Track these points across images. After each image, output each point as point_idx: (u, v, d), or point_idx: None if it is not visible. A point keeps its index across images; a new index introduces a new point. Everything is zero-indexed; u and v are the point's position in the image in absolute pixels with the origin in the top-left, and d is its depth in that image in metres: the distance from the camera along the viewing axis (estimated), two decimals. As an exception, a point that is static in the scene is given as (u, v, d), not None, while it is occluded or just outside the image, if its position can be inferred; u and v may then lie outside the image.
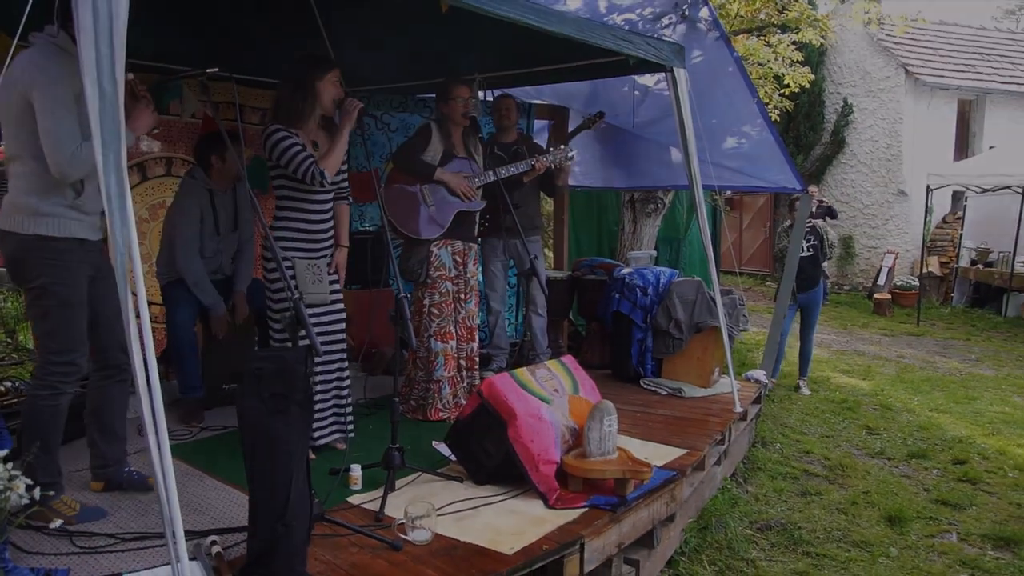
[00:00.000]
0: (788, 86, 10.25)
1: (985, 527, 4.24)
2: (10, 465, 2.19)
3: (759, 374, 5.54)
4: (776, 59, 9.35)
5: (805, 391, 6.95)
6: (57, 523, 2.44)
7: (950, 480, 4.98)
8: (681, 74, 4.11)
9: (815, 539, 4.07)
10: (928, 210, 11.50)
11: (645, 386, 5.30)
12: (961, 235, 12.79)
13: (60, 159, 2.57)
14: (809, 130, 14.65)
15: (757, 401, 5.37)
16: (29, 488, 2.18)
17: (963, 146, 14.16)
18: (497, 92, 5.24)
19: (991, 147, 13.23)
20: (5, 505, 2.12)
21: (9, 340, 6.13)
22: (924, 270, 12.33)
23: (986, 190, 11.21)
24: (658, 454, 3.87)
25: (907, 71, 13.57)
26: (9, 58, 2.45)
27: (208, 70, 2.79)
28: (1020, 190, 10.93)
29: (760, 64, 9.20)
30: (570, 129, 6.06)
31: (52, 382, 2.78)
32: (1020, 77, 14.35)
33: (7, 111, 2.67)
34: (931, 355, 9.06)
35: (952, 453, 5.44)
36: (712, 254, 4.67)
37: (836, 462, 5.22)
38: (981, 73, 14.05)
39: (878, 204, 14.05)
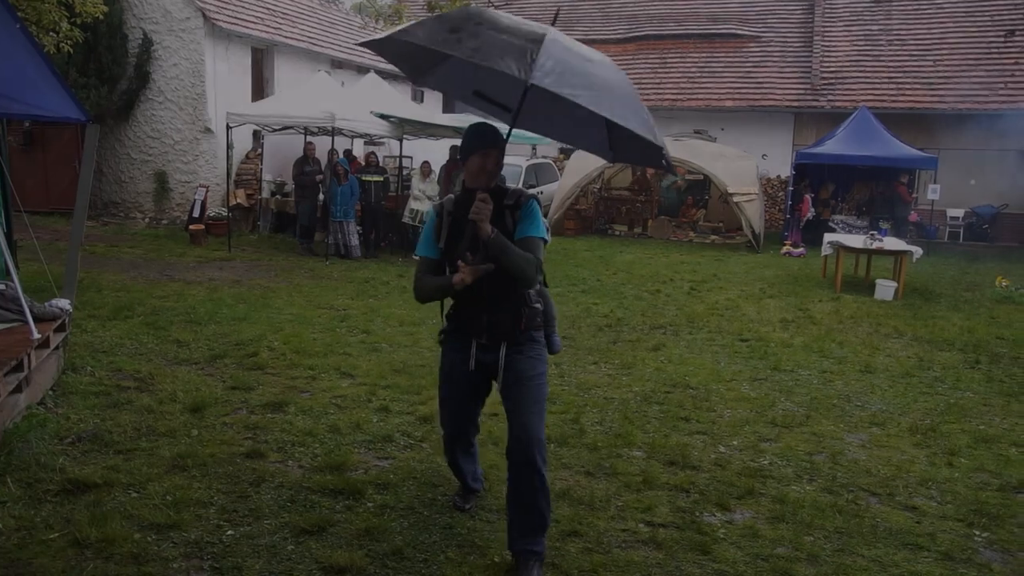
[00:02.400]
0: (80, 15, 9.95)
1: (266, 399, 5.31)
2: None
3: (63, 303, 5.61)
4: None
5: None
6: None
7: (243, 370, 5.98)
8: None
9: (125, 438, 4.52)
10: (230, 146, 12.66)
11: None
12: (261, 169, 14.45)
13: None
14: (112, 63, 14.34)
15: (62, 329, 5.47)
16: None
17: (259, 89, 15.79)
18: None
19: (280, 92, 15.10)
20: None
21: None
22: (233, 202, 13.60)
23: (276, 129, 12.90)
24: None
25: (205, 15, 14.36)
26: None
27: None
28: (303, 130, 12.94)
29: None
30: None
31: None
32: (299, 34, 16.62)
33: None
34: (240, 275, 10.24)
35: (246, 350, 6.49)
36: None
37: (147, 373, 5.72)
38: (268, 26, 15.78)
39: (188, 140, 14.75)
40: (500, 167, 3.26)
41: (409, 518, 3.74)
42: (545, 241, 3.26)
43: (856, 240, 11.31)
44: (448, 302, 3.47)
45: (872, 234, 11.38)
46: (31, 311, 5.04)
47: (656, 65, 21.88)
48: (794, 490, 4.26)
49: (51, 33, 9.26)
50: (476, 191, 3.11)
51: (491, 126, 3.26)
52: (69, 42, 9.51)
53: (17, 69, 4.20)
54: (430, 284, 3.32)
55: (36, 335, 4.80)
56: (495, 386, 3.43)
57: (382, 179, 12.81)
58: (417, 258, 3.43)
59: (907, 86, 18.80)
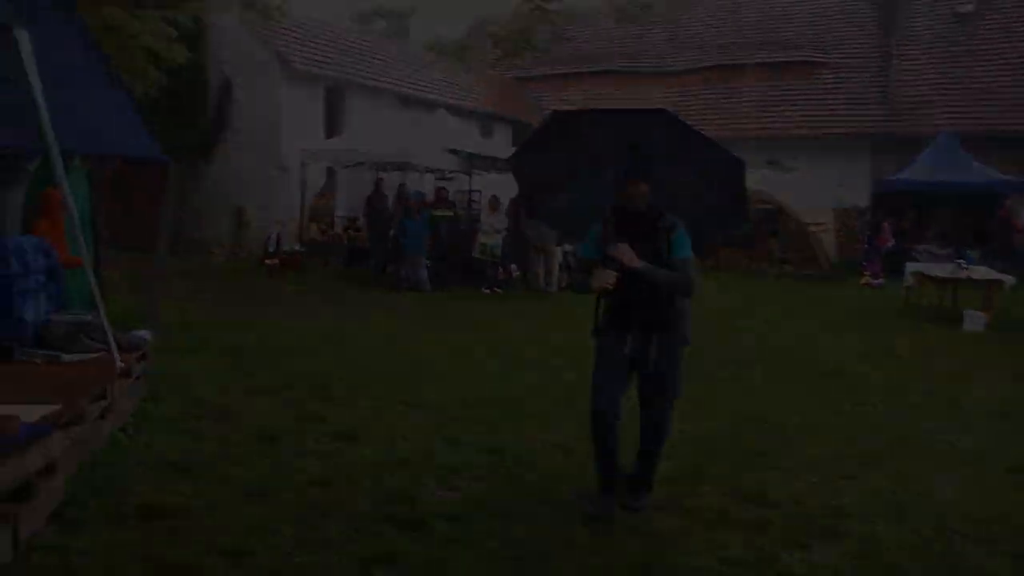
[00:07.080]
0: (164, 60, 10.45)
1: (336, 429, 5.34)
2: None
3: (144, 333, 5.80)
4: (148, 34, 9.45)
5: None
6: None
7: (315, 401, 6.02)
8: (23, 35, 4.07)
9: (201, 465, 4.59)
10: (304, 182, 13.03)
11: (21, 357, 5.13)
12: (335, 205, 14.82)
13: None
14: (193, 105, 15.01)
15: (143, 358, 5.65)
16: None
17: (332, 126, 16.25)
18: None
19: (352, 129, 15.51)
20: None
21: None
22: (307, 237, 13.98)
23: (349, 165, 13.24)
24: (30, 412, 3.90)
25: (282, 58, 14.92)
26: None
27: None
28: (375, 166, 13.25)
29: (132, 37, 9.20)
30: None
31: None
32: (370, 72, 17.10)
33: None
34: (313, 308, 10.46)
35: (318, 381, 6.55)
36: (79, 223, 4.72)
37: (223, 403, 5.82)
38: (341, 66, 16.28)
39: (264, 178, 15.25)
40: (646, 194, 4.08)
41: (476, 550, 3.67)
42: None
43: (941, 269, 10.85)
44: (603, 303, 4.25)
45: (959, 263, 10.89)
46: (115, 341, 5.22)
47: (725, 95, 21.65)
48: (879, 530, 4.03)
49: (139, 80, 9.75)
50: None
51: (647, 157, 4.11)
52: (156, 87, 9.99)
53: (106, 113, 4.41)
54: (581, 280, 4.31)
55: (120, 364, 4.97)
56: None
57: (452, 214, 12.96)
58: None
59: (995, 108, 18.01)
